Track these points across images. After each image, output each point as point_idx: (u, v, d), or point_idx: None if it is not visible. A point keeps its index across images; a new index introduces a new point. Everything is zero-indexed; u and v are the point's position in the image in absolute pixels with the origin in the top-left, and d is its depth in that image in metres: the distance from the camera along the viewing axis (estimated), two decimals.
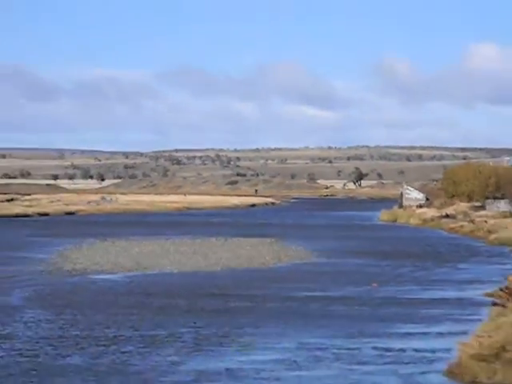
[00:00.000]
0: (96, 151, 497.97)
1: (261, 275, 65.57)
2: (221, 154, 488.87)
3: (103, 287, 58.40)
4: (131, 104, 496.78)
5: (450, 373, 31.83)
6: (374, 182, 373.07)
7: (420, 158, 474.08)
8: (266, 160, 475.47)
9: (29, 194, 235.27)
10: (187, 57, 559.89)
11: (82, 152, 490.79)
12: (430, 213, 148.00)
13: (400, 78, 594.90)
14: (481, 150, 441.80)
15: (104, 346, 37.64)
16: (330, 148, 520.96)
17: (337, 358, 35.37)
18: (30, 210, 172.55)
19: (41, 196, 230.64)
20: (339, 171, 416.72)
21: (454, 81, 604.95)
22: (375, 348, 37.35)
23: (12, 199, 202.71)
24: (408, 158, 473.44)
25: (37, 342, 38.70)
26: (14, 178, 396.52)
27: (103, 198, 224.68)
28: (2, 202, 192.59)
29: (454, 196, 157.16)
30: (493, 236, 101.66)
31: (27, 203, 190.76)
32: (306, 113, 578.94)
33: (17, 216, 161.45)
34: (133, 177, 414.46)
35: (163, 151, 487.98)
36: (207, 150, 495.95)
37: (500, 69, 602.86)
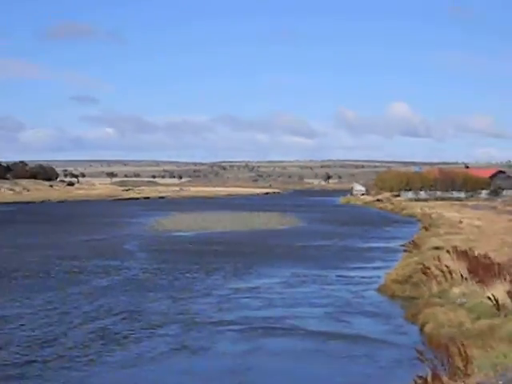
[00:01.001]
0: (177, 162, 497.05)
1: (271, 233, 65.30)
2: (248, 164, 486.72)
3: (180, 240, 58.32)
4: (197, 135, 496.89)
5: (379, 290, 31.80)
6: (336, 180, 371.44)
7: (363, 167, 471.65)
8: (274, 167, 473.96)
9: (138, 187, 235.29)
10: (228, 107, 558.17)
11: (169, 162, 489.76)
12: (368, 198, 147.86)
13: (350, 120, 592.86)
14: (397, 162, 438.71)
15: (180, 273, 37.66)
16: (311, 161, 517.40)
17: (314, 281, 35.30)
18: (138, 196, 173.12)
19: (145, 187, 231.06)
20: (316, 174, 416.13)
21: (382, 122, 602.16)
22: (337, 275, 37.22)
23: (128, 189, 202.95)
24: (356, 167, 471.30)
25: (141, 271, 38.78)
26: (130, 177, 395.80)
27: (181, 189, 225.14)
28: (123, 191, 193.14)
29: (382, 189, 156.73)
30: (404, 211, 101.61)
31: (137, 192, 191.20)
32: (297, 140, 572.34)
33: (130, 199, 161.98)
34: (198, 176, 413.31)
35: (216, 162, 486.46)
36: (240, 161, 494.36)
37: (407, 116, 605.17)
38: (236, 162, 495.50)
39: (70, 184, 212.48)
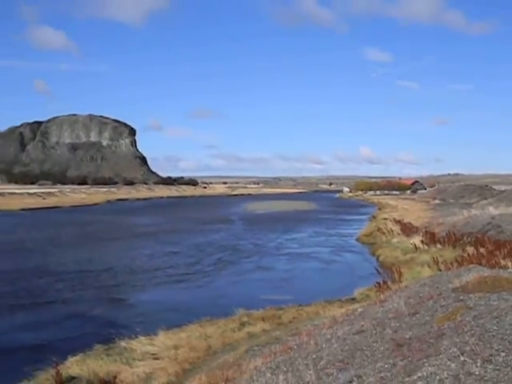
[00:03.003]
0: (256, 176, 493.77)
1: (302, 212, 64.15)
2: (292, 178, 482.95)
3: (258, 215, 58.07)
4: (265, 163, 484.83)
5: (356, 239, 30.92)
6: (335, 185, 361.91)
7: (348, 178, 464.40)
8: (304, 179, 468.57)
9: (238, 189, 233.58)
10: (280, 149, 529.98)
11: (252, 176, 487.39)
12: (351, 194, 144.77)
13: (340, 155, 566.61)
14: (365, 176, 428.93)
15: (257, 231, 37.48)
16: (322, 175, 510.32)
17: (323, 235, 34.58)
18: (238, 193, 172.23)
19: (241, 189, 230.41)
20: (325, 182, 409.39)
21: (357, 156, 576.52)
22: (335, 232, 36.48)
23: (233, 190, 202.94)
24: (344, 179, 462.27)
25: (238, 230, 38.70)
26: (234, 184, 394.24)
27: (259, 190, 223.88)
28: (231, 191, 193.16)
29: (358, 189, 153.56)
30: (369, 201, 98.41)
31: (238, 191, 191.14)
32: (314, 166, 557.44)
33: (234, 195, 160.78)
34: (267, 184, 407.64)
35: (275, 177, 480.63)
36: (287, 177, 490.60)
37: (369, 154, 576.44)
38: (285, 177, 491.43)
39: (204, 188, 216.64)
